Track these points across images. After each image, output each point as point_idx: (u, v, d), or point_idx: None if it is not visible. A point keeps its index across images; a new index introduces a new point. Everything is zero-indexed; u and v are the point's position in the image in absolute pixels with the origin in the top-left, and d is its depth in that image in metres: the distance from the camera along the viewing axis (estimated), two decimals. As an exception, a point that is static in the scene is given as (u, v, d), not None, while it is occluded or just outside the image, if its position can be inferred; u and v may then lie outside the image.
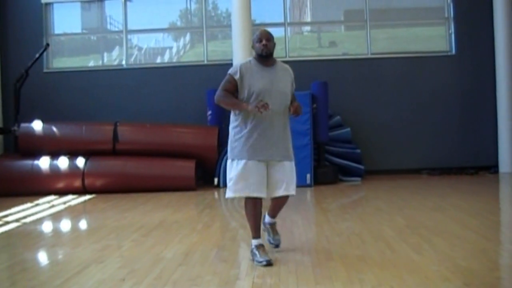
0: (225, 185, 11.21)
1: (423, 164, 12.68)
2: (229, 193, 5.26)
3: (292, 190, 5.28)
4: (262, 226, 5.49)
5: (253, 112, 5.04)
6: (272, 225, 5.68)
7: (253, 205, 5.19)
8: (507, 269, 4.92)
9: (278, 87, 5.19)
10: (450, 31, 12.99)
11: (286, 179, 5.23)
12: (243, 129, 5.19)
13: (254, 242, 5.21)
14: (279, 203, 5.48)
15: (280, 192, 5.24)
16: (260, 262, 5.00)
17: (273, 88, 5.16)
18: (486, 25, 12.53)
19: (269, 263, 4.97)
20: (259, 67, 5.24)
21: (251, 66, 5.27)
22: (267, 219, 5.68)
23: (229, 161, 5.30)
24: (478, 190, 9.87)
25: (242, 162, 5.16)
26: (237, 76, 5.19)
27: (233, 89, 5.23)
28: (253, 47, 5.36)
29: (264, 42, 5.21)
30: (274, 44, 5.32)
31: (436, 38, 13.37)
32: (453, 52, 12.92)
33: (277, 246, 5.55)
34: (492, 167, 12.41)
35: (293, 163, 5.34)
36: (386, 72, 12.77)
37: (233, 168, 5.22)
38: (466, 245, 5.55)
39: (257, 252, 5.11)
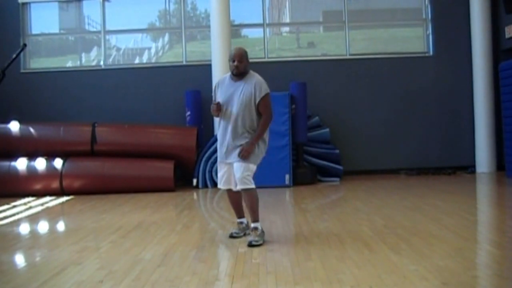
0: (204, 186, 11.32)
1: (401, 164, 12.77)
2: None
3: (240, 185, 5.86)
4: None
5: (213, 114, 5.98)
6: (239, 224, 6.30)
7: (227, 196, 6.28)
8: (483, 268, 4.97)
9: (238, 98, 5.83)
10: (428, 32, 13.11)
11: (237, 177, 5.84)
12: (218, 134, 6.16)
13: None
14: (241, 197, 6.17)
15: (235, 187, 5.97)
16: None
17: (233, 98, 5.86)
18: (463, 26, 12.67)
19: (230, 236, 6.17)
20: (230, 81, 5.97)
21: (225, 80, 6.04)
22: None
23: None
24: (455, 190, 9.96)
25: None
26: (213, 90, 6.15)
27: None
28: (229, 61, 5.92)
29: (236, 63, 5.82)
30: (248, 63, 5.88)
31: (414, 39, 13.48)
32: (431, 53, 13.03)
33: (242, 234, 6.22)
34: (469, 167, 12.54)
35: (244, 163, 5.79)
36: (365, 73, 12.84)
37: None
38: (444, 244, 5.60)
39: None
